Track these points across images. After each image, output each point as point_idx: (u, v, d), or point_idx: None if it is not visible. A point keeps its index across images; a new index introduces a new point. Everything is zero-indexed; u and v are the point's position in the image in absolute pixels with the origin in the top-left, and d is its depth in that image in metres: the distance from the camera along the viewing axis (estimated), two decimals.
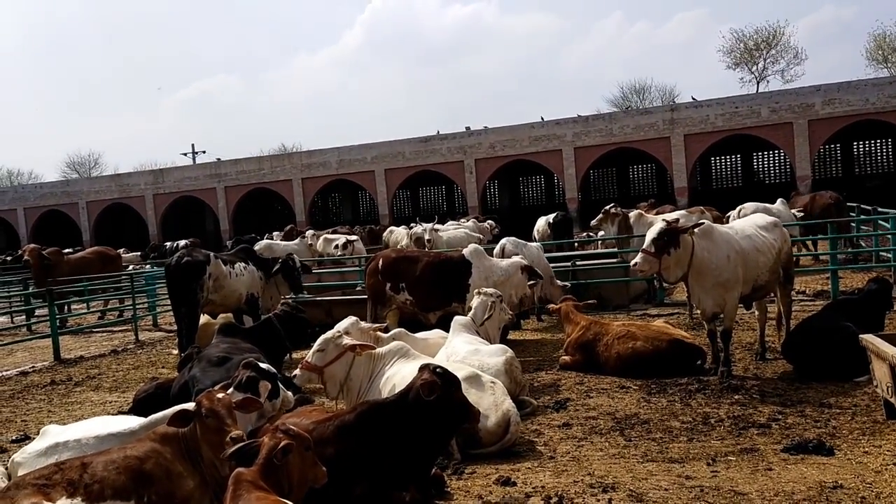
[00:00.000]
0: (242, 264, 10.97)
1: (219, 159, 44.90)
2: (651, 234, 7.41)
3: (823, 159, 39.38)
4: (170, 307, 17.58)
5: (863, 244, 16.60)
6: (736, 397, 6.87)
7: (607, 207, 14.49)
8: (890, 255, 13.35)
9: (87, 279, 16.55)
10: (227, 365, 7.06)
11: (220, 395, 4.56)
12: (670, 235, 7.34)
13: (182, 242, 33.92)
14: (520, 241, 12.01)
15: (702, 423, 6.19)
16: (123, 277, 17.45)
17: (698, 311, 8.31)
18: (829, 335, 7.30)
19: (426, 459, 4.97)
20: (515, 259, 10.26)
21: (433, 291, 9.95)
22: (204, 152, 56.65)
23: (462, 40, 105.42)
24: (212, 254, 10.87)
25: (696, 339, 8.44)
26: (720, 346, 7.79)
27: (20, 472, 4.74)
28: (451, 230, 18.98)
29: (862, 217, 16.82)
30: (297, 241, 22.72)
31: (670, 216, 14.38)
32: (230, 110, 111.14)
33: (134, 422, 5.15)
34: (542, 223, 20.44)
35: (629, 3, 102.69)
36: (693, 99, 35.64)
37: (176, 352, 11.28)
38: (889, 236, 13.73)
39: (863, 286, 8.76)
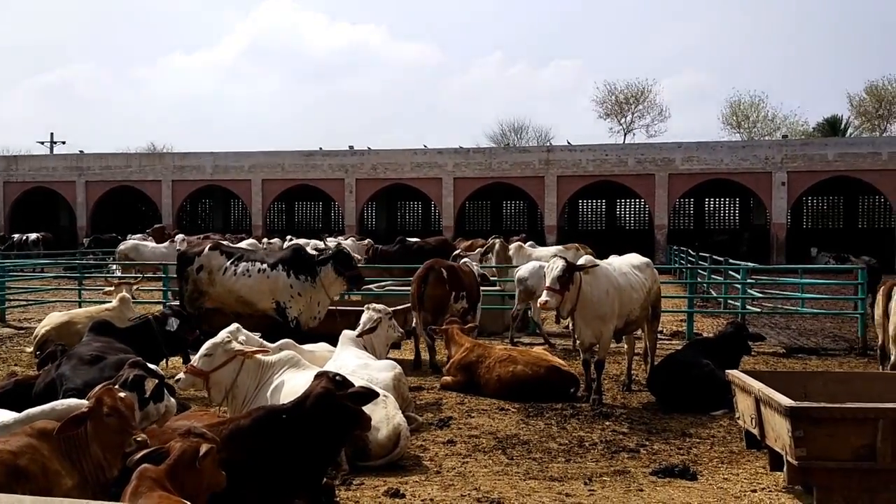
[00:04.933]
0: (260, 265, 9.69)
1: (81, 152, 42.33)
2: (556, 271, 7.73)
3: (678, 212, 42.40)
4: (20, 303, 16.52)
5: (713, 292, 18.04)
6: (607, 423, 7.31)
7: (494, 239, 15.01)
8: (738, 303, 14.59)
9: None
10: (101, 365, 6.73)
11: (122, 395, 4.38)
12: (570, 272, 7.74)
13: (33, 236, 31.67)
14: None
15: (577, 446, 6.55)
16: None
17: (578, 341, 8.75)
18: (690, 371, 7.92)
19: (319, 468, 4.96)
20: None
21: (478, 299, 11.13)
22: (63, 143, 53.10)
23: (347, 60, 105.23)
24: (219, 245, 10.17)
25: (570, 368, 8.87)
26: (593, 376, 8.25)
27: None
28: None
29: (713, 267, 18.30)
30: (166, 244, 21.78)
31: (548, 251, 15.16)
32: (94, 102, 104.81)
33: (7, 415, 4.82)
34: None
35: (509, 45, 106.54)
36: (568, 143, 37.52)
37: (29, 349, 10.53)
38: (738, 286, 15.03)
39: (722, 329, 9.56)
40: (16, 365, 10.05)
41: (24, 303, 16.72)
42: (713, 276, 18.19)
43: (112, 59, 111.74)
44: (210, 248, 10.06)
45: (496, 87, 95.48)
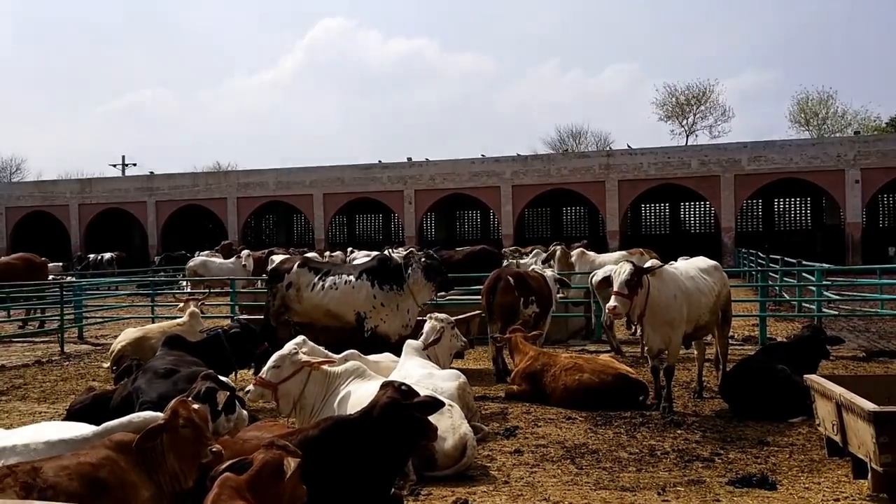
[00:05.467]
0: (346, 277, 9.81)
1: (152, 173, 43.85)
2: (623, 275, 7.57)
3: (745, 213, 41.26)
4: (97, 320, 17.14)
5: (785, 295, 17.44)
6: (679, 432, 7.10)
7: (555, 246, 14.83)
8: (813, 306, 14.06)
9: (11, 286, 15.83)
10: (174, 377, 6.90)
11: (196, 406, 4.47)
12: (638, 276, 7.59)
13: (107, 255, 32.88)
14: None
15: (648, 455, 6.38)
16: (51, 287, 16.76)
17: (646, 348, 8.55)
18: (765, 376, 7.65)
19: (387, 477, 4.96)
20: None
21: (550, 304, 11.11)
22: (135, 164, 55.18)
23: (403, 73, 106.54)
24: (308, 261, 10.29)
25: (639, 375, 8.68)
26: (663, 383, 8.04)
27: None
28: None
29: (785, 269, 17.69)
30: (232, 259, 22.30)
31: (612, 256, 14.92)
32: (163, 125, 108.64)
33: (86, 429, 4.96)
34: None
35: (564, 52, 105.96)
36: (628, 146, 36.97)
37: (106, 365, 10.89)
38: (812, 288, 14.49)
39: (798, 332, 9.22)
40: (94, 380, 10.40)
41: (101, 320, 17.32)
42: (785, 278, 17.59)
43: (178, 83, 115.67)
44: (299, 266, 10.16)
45: (552, 94, 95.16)
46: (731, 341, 12.58)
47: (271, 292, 10.09)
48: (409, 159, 39.47)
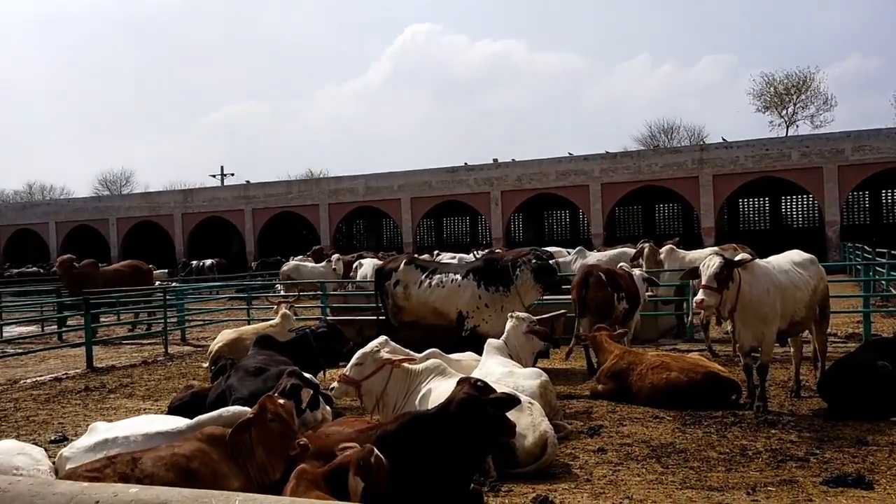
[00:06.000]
0: (453, 276, 9.88)
1: (248, 182, 45.56)
2: (713, 268, 7.36)
3: (851, 206, 39.13)
4: (198, 323, 17.97)
5: (893, 290, 16.44)
6: (773, 431, 6.83)
7: (644, 243, 14.51)
8: None
9: (120, 291, 16.81)
10: (265, 376, 7.16)
11: (282, 402, 4.67)
12: (729, 269, 7.36)
13: (208, 262, 34.39)
14: None
15: (739, 455, 6.16)
16: (156, 292, 17.70)
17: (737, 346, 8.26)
18: (866, 373, 7.25)
19: (465, 473, 4.99)
20: None
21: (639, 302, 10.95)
22: (232, 174, 57.46)
23: (489, 76, 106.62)
24: (414, 259, 10.43)
25: (731, 374, 8.39)
26: (756, 381, 7.75)
27: (68, 467, 4.84)
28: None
29: (892, 262, 16.66)
30: (323, 263, 22.92)
31: (703, 253, 14.45)
32: (258, 135, 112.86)
33: (181, 422, 5.24)
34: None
35: (655, 45, 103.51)
36: (723, 140, 35.71)
37: (206, 365, 11.40)
38: None
39: None
40: (194, 379, 10.90)
41: (201, 322, 18.16)
42: (892, 272, 16.59)
43: (272, 94, 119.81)
44: (406, 263, 10.32)
45: (643, 89, 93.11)
46: (833, 338, 12.01)
47: (383, 293, 10.18)
48: (495, 160, 39.46)
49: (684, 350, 11.57)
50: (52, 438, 7.49)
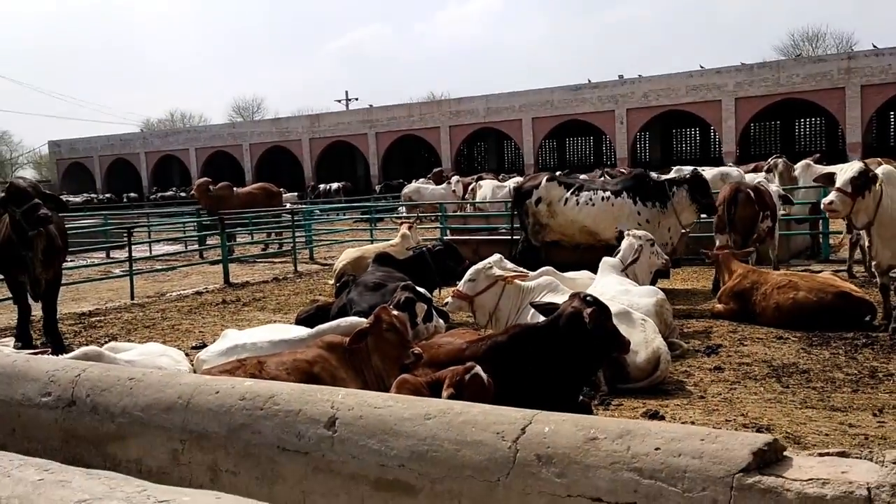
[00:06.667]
0: (603, 193, 9.61)
1: (371, 106, 46.26)
2: (849, 172, 6.94)
3: None
4: (325, 243, 18.78)
5: None
6: None
7: (777, 159, 13.70)
8: None
9: (253, 212, 17.76)
10: (382, 290, 7.45)
11: (396, 313, 4.87)
12: (866, 177, 6.89)
13: (334, 185, 35.54)
14: None
15: (868, 377, 5.85)
16: (285, 214, 18.58)
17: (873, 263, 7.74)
18: None
19: (574, 385, 5.04)
20: None
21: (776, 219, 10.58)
22: (357, 99, 58.42)
23: None
24: (556, 176, 10.28)
25: (865, 295, 7.90)
26: (893, 302, 7.26)
27: (204, 367, 5.28)
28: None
29: None
30: (443, 185, 23.18)
31: (843, 167, 13.47)
32: (381, 59, 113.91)
33: (303, 331, 5.58)
34: None
35: None
36: (874, 46, 32.57)
37: (331, 282, 11.94)
38: None
39: None
40: (320, 294, 11.48)
41: (328, 242, 18.95)
42: None
43: (394, 17, 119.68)
44: (547, 180, 10.07)
45: None
46: None
47: (523, 212, 10.04)
48: (621, 77, 37.92)
49: (818, 271, 10.96)
50: (194, 345, 8.15)
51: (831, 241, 12.68)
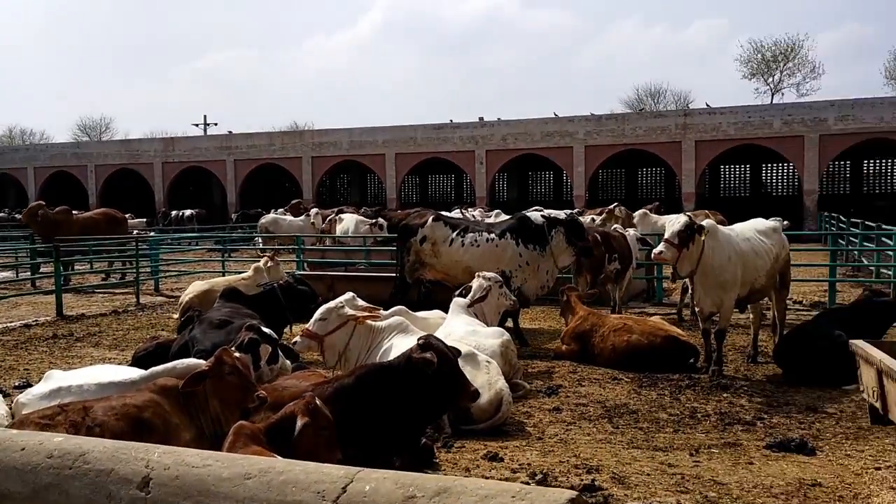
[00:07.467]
0: (487, 235, 9.78)
1: (230, 132, 45.02)
2: (676, 225, 7.60)
3: (832, 175, 39.35)
4: (173, 273, 17.93)
5: (864, 260, 16.70)
6: (724, 395, 7.00)
7: (611, 207, 14.64)
8: (890, 272, 13.43)
9: (93, 240, 16.71)
10: (228, 328, 7.21)
11: (238, 355, 4.70)
12: (691, 230, 7.53)
13: (188, 212, 34.17)
14: None
15: (688, 417, 6.32)
16: (129, 241, 17.60)
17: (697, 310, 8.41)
18: (820, 341, 7.41)
19: (418, 428, 5.10)
20: None
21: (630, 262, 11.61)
22: (216, 124, 56.72)
23: (480, 31, 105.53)
24: (442, 216, 10.27)
25: (690, 338, 8.54)
26: (713, 346, 7.91)
27: (23, 412, 4.88)
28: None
29: (863, 233, 16.89)
30: (302, 217, 22.88)
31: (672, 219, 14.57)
32: (242, 85, 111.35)
33: (134, 373, 5.29)
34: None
35: (649, 7, 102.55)
36: (707, 105, 35.67)
37: (176, 316, 11.41)
38: (890, 253, 13.82)
39: (858, 297, 8.86)
40: (163, 330, 10.94)
41: (176, 273, 18.12)
42: (865, 242, 16.81)
43: (258, 43, 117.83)
44: (434, 220, 10.12)
45: (633, 52, 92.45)
46: (798, 306, 12.23)
47: (405, 248, 10.08)
48: (481, 119, 39.21)
49: (651, 314, 11.74)
50: (17, 384, 7.54)
51: (664, 286, 13.61)
